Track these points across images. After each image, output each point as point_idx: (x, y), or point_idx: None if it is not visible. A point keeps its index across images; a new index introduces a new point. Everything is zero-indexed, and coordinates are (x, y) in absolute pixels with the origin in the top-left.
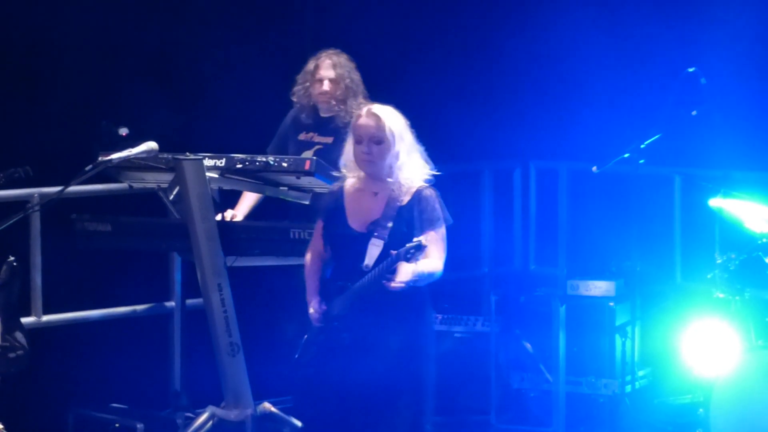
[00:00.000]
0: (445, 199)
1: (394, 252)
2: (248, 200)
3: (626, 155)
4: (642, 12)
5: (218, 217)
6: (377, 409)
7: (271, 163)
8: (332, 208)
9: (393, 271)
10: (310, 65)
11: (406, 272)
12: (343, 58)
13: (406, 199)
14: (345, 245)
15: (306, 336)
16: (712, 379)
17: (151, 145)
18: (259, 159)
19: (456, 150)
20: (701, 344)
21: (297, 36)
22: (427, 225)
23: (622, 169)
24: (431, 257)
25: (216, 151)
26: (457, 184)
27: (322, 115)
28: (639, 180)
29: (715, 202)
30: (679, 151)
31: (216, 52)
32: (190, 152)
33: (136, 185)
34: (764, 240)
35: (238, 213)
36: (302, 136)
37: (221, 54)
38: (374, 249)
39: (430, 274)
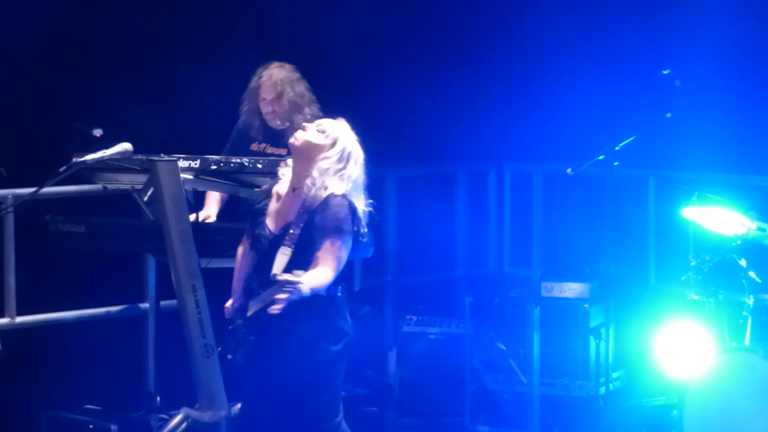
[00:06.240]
0: (419, 201)
1: (278, 277)
2: (215, 200)
3: (601, 157)
4: (616, 14)
5: (192, 218)
6: (278, 414)
7: (246, 164)
8: (257, 207)
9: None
10: (253, 83)
11: (282, 297)
12: (284, 73)
13: (316, 203)
14: (260, 247)
15: (230, 327)
16: (686, 380)
17: (126, 146)
18: (233, 160)
19: (430, 152)
20: (675, 346)
21: (273, 40)
22: (327, 232)
23: (596, 171)
24: (321, 266)
25: (191, 152)
26: (431, 186)
27: (272, 126)
28: (613, 182)
29: (688, 213)
30: (653, 153)
31: (192, 56)
32: (165, 153)
33: (110, 186)
34: (738, 242)
35: (211, 213)
36: (254, 147)
37: (197, 57)
38: (282, 257)
39: (315, 288)
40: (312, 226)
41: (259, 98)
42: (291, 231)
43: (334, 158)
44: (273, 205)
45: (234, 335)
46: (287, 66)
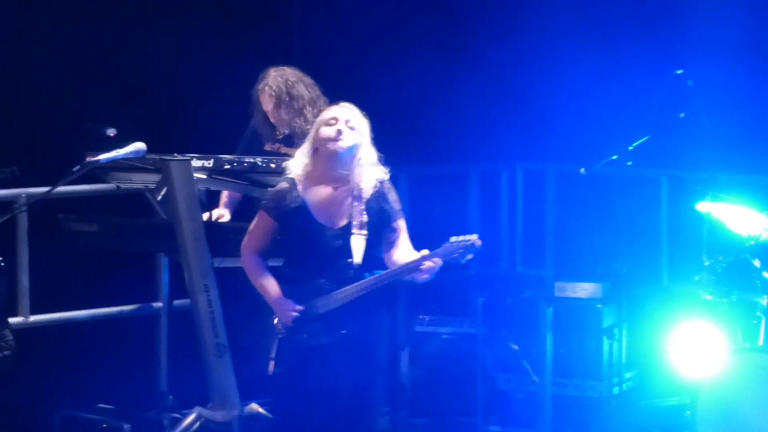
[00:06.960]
0: (432, 200)
1: (449, 243)
2: (230, 199)
3: (614, 157)
4: (629, 13)
5: (205, 218)
6: (364, 407)
7: (259, 164)
8: (290, 206)
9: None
10: (254, 95)
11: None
12: (278, 80)
13: (369, 192)
14: (319, 243)
15: (279, 336)
16: (699, 381)
17: (139, 145)
18: (247, 160)
19: (443, 152)
20: (688, 346)
21: (284, 39)
22: (397, 214)
23: (609, 171)
24: (406, 245)
25: (204, 152)
26: (444, 186)
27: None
28: (626, 182)
29: (703, 206)
30: (666, 153)
31: (204, 55)
32: (178, 153)
33: (123, 186)
34: (752, 242)
35: (225, 213)
36: (269, 147)
37: (210, 56)
38: (359, 244)
39: None
40: (378, 211)
41: (263, 111)
42: (360, 219)
43: (370, 148)
44: (314, 202)
45: (298, 341)
46: (285, 69)
